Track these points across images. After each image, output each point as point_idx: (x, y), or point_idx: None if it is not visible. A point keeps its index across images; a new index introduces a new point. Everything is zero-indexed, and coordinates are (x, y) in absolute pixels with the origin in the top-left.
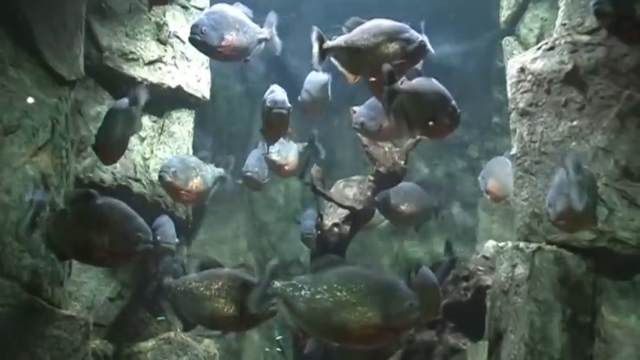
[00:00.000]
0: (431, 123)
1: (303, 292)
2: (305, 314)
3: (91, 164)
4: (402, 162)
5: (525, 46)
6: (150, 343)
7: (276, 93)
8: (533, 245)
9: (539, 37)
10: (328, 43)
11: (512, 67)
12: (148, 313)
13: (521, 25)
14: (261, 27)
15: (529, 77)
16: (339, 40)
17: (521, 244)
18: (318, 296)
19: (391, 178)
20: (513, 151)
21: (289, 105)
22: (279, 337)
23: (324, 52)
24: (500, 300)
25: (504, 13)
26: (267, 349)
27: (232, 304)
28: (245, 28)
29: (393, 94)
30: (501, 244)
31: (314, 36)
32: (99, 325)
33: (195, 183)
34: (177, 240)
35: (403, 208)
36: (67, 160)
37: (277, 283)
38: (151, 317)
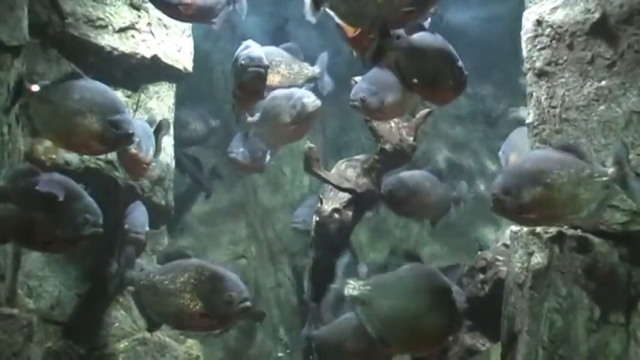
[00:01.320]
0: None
1: None
2: None
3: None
4: (411, 138)
5: None
6: (122, 345)
7: (252, 49)
8: (553, 229)
9: None
10: None
11: (527, 20)
12: (122, 310)
13: None
14: None
15: (547, 31)
16: None
17: (538, 229)
18: None
19: (398, 156)
20: (530, 118)
21: (267, 63)
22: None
23: (318, 2)
24: (514, 295)
25: None
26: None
27: (199, 300)
28: None
29: (382, 51)
30: (515, 228)
31: None
32: (65, 325)
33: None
34: (147, 229)
35: (413, 200)
36: (10, 136)
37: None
38: (125, 315)
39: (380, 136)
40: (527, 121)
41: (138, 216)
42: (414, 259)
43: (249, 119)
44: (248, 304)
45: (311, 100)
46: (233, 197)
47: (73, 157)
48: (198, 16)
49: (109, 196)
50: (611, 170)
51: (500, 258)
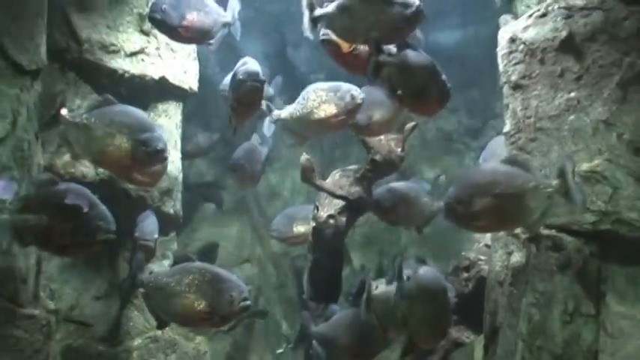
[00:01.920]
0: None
1: None
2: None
3: (73, 160)
4: (399, 150)
5: None
6: (136, 342)
7: (249, 64)
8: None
9: None
10: (320, 11)
11: (502, 38)
12: (136, 311)
13: (518, 1)
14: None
15: (521, 47)
16: (331, 7)
17: (517, 230)
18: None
19: (387, 166)
20: (506, 128)
21: (264, 78)
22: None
23: (315, 20)
24: (495, 291)
25: None
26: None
27: (203, 299)
28: (207, 9)
29: (380, 66)
30: None
31: (304, 3)
32: (84, 324)
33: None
34: (156, 236)
35: (399, 209)
36: (30, 152)
37: None
38: (138, 315)
39: (370, 147)
40: (504, 131)
41: (147, 224)
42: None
43: (275, 113)
44: (248, 303)
45: (358, 93)
46: (237, 206)
47: (89, 171)
48: (196, 38)
49: (121, 206)
50: (555, 182)
51: (482, 257)
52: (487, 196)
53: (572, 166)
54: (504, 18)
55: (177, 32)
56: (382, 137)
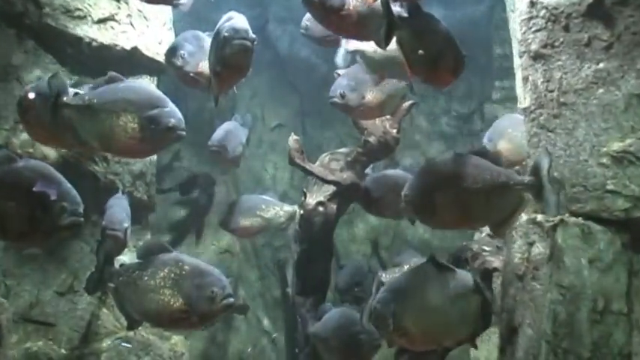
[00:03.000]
0: None
1: None
2: None
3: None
4: (394, 131)
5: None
6: (105, 344)
7: (236, 20)
8: (554, 218)
9: None
10: None
11: (521, 2)
12: (104, 308)
13: None
14: None
15: (542, 12)
16: None
17: (539, 217)
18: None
19: (382, 149)
20: (526, 103)
21: (254, 36)
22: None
23: None
24: (513, 287)
25: None
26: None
27: (180, 296)
28: None
29: (392, 29)
30: None
31: None
32: (45, 324)
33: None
34: (126, 225)
35: (388, 200)
36: None
37: None
38: (107, 313)
39: (364, 128)
40: (522, 106)
41: (116, 212)
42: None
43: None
44: (231, 300)
45: None
46: (216, 193)
47: (50, 151)
48: None
49: (89, 191)
50: (527, 179)
51: (487, 248)
52: (451, 190)
53: (549, 163)
54: (511, 2)
55: None
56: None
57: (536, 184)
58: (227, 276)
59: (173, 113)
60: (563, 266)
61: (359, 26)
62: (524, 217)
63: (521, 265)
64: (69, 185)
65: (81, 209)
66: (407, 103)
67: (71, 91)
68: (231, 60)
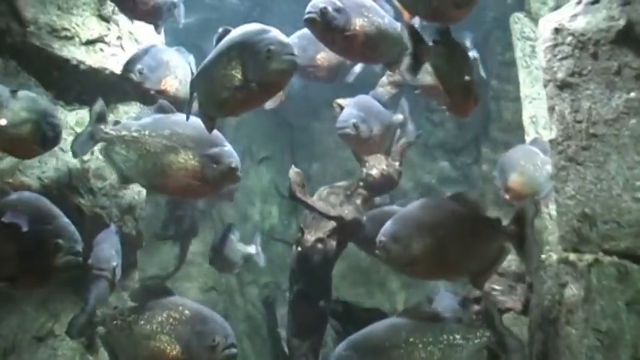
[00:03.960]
0: None
1: None
2: None
3: (11, 166)
4: (397, 163)
5: (537, 23)
6: None
7: (276, 33)
8: (588, 257)
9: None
10: None
11: (544, 29)
12: (91, 356)
13: None
14: None
15: (568, 39)
16: None
17: (572, 257)
18: None
19: (384, 182)
20: (552, 134)
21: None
22: None
23: None
24: (544, 332)
25: None
26: None
27: (178, 343)
28: None
29: (422, 56)
30: (541, 257)
31: None
32: None
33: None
34: (115, 264)
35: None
36: None
37: None
38: None
39: (364, 161)
40: (550, 138)
41: (104, 249)
42: None
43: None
44: (234, 351)
45: None
46: (202, 229)
47: (32, 181)
48: (151, 14)
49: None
50: (510, 228)
51: (497, 287)
52: (429, 237)
53: (534, 213)
54: (516, 17)
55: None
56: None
57: (518, 234)
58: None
59: (233, 153)
60: (599, 309)
61: (366, 48)
62: (554, 256)
63: (553, 309)
64: (66, 220)
65: (79, 247)
66: (411, 134)
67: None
68: (274, 77)
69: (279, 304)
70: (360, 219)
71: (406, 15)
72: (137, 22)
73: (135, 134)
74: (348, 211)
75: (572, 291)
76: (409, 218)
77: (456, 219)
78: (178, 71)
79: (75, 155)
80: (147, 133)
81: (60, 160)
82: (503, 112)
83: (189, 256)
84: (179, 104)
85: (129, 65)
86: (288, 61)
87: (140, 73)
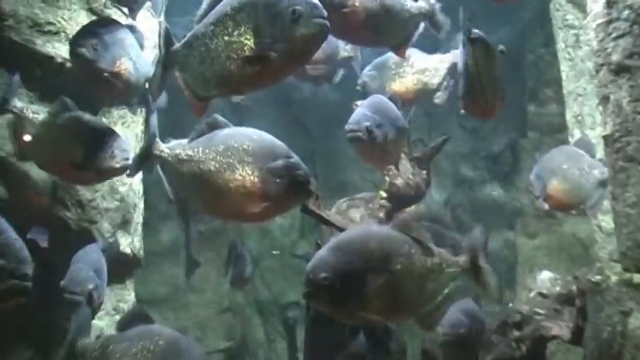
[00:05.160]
0: None
1: None
2: None
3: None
4: (424, 172)
5: (582, 8)
6: None
7: None
8: None
9: None
10: None
11: (595, 2)
12: None
13: None
14: None
15: (626, 13)
16: None
17: (637, 278)
18: None
19: (410, 193)
20: (607, 130)
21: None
22: None
23: None
24: None
25: None
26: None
27: None
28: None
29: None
30: (596, 277)
31: None
32: None
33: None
34: (90, 286)
35: None
36: None
37: None
38: None
39: (388, 169)
40: (604, 133)
41: (80, 269)
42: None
43: None
44: None
45: None
46: (217, 243)
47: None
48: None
49: (58, 243)
50: (462, 260)
51: (541, 311)
52: (380, 273)
53: (484, 241)
54: (557, 3)
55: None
56: (403, 156)
57: (472, 266)
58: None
59: (300, 165)
60: None
61: (368, 28)
62: (612, 277)
63: (614, 342)
64: (14, 237)
65: (27, 269)
66: (438, 139)
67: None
68: (302, 45)
69: (301, 326)
70: None
71: None
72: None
73: (189, 152)
74: None
75: (638, 321)
76: (345, 251)
77: (406, 250)
78: (132, 52)
79: (130, 176)
80: (200, 150)
81: None
82: (542, 113)
83: (202, 276)
84: (130, 91)
85: (80, 39)
86: (320, 25)
87: (94, 49)
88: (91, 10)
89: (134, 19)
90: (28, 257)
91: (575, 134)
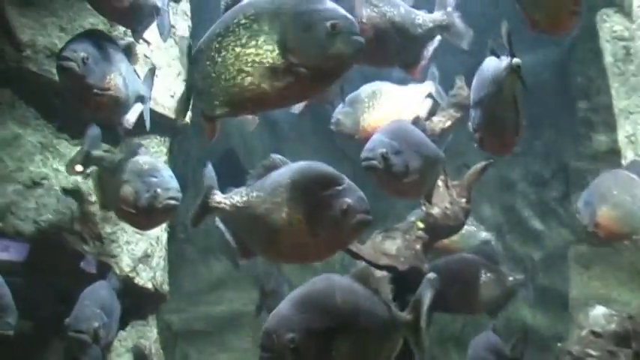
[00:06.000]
0: None
1: None
2: None
3: (2, 209)
4: (464, 200)
5: (630, 18)
6: None
7: (329, 1)
8: None
9: None
10: None
11: None
12: None
13: None
14: None
15: None
16: None
17: None
18: None
19: (449, 223)
20: None
21: None
22: None
23: None
24: None
25: None
26: None
27: None
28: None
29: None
30: None
31: None
32: None
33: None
34: (96, 324)
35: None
36: None
37: None
38: None
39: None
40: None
41: (86, 306)
42: None
43: None
44: None
45: None
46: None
47: (26, 225)
48: (128, 15)
49: (73, 278)
50: (407, 317)
51: (593, 353)
52: (337, 334)
53: (429, 297)
54: (604, 13)
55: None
56: (440, 183)
57: (414, 324)
58: None
59: (353, 192)
60: None
61: (377, 47)
62: None
63: None
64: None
65: (10, 319)
66: (478, 165)
67: None
68: (336, 63)
69: None
70: (420, 268)
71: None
72: (154, 45)
73: (245, 198)
74: (404, 259)
75: None
76: (299, 307)
77: (359, 305)
78: (122, 67)
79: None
80: (253, 195)
81: (61, 201)
82: (593, 135)
83: (239, 306)
84: (118, 109)
85: (69, 50)
86: (359, 44)
87: (84, 62)
88: None
89: (138, 41)
90: (10, 304)
91: (628, 156)
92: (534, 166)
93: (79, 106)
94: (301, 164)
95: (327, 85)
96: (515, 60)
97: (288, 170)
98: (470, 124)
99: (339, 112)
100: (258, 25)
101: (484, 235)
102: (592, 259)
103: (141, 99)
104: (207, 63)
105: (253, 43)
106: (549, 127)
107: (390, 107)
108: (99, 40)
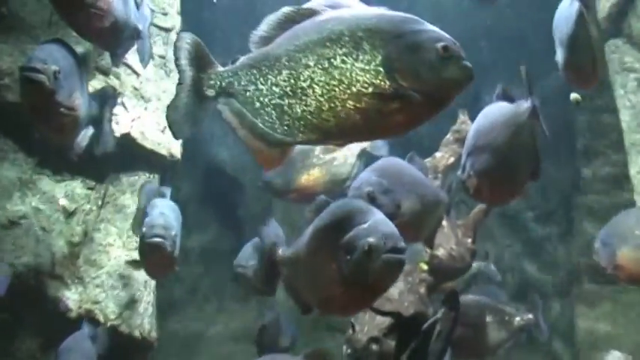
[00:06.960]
0: None
1: None
2: None
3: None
4: (469, 240)
5: None
6: None
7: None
8: None
9: None
10: None
11: None
12: None
13: (634, 17)
14: None
15: None
16: None
17: None
18: None
19: (454, 265)
20: None
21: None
22: None
23: None
24: None
25: (604, 5)
26: None
27: None
28: None
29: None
30: None
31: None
32: None
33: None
34: None
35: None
36: None
37: None
38: None
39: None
40: None
41: None
42: None
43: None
44: None
45: None
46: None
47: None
48: (107, 36)
49: (52, 328)
50: None
51: None
52: None
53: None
54: (613, 44)
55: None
56: (445, 224)
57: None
58: None
59: (376, 229)
60: None
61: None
62: None
63: None
64: None
65: None
66: (482, 206)
67: None
68: (450, 88)
69: None
70: (424, 313)
71: None
72: (144, 76)
73: (291, 250)
74: (408, 304)
75: None
76: None
77: None
78: (83, 84)
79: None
80: (297, 246)
81: (41, 242)
82: (597, 169)
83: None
84: (76, 132)
85: (37, 61)
86: (469, 71)
87: (55, 77)
88: (98, 69)
89: (117, 65)
90: None
91: None
92: (536, 200)
93: (37, 125)
94: (332, 205)
95: (433, 115)
96: (536, 103)
97: (322, 214)
98: (459, 172)
99: (270, 172)
100: (358, 36)
101: (474, 265)
102: (598, 296)
103: (93, 121)
104: (280, 78)
105: (357, 57)
106: (551, 161)
107: (322, 165)
108: (64, 50)
